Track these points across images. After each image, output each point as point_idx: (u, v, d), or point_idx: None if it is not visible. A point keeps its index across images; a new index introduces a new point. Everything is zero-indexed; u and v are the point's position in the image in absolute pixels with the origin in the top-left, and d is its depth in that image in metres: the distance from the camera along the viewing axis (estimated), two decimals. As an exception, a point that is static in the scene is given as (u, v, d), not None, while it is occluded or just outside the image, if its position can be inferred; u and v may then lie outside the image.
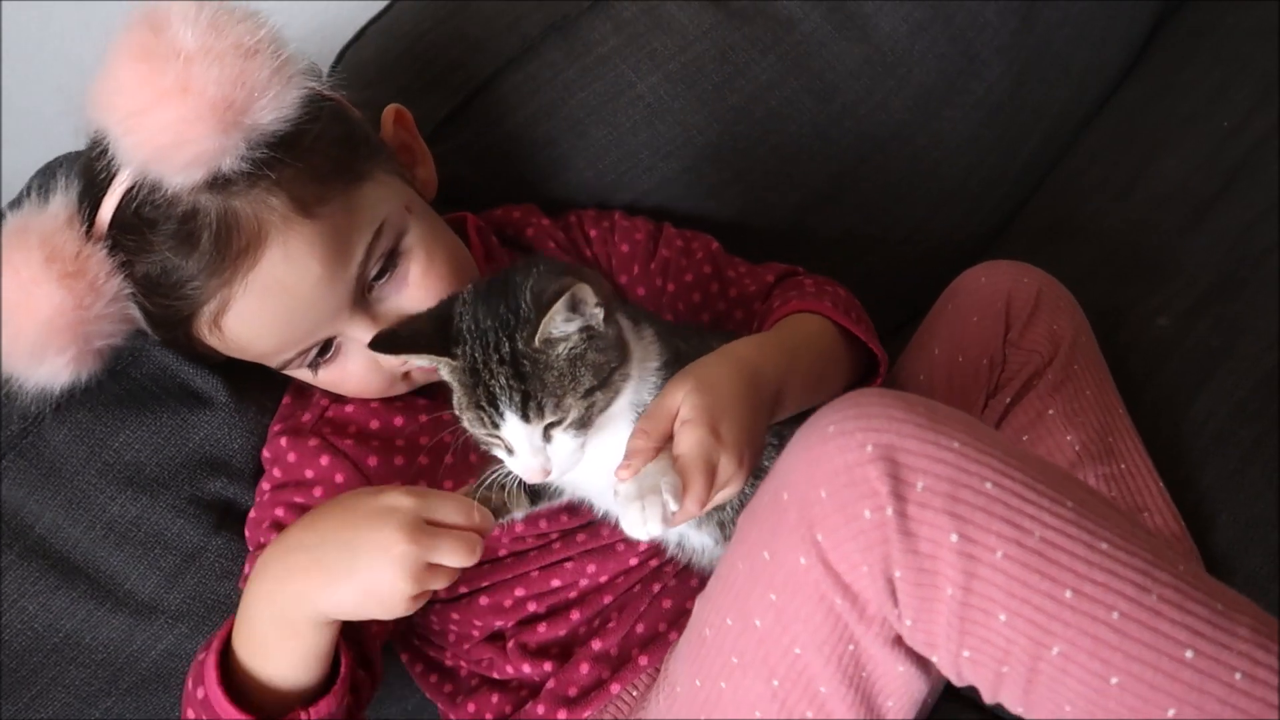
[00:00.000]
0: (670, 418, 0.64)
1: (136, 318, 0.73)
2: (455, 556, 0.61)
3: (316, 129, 0.72)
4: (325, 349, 0.77)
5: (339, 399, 0.83)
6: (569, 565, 0.81)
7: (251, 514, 0.81)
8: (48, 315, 0.69)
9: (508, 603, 0.81)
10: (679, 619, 0.80)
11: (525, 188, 0.95)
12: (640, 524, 0.61)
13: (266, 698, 0.66)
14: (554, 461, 0.65)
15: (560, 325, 0.62)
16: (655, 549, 0.82)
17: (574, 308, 0.62)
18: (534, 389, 0.62)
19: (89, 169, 0.73)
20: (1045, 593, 0.54)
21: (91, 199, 0.72)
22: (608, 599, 0.81)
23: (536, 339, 0.62)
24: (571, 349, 0.63)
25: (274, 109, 0.67)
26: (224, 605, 0.83)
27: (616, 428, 0.67)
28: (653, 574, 0.82)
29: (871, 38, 1.01)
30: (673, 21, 0.96)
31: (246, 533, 0.81)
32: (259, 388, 0.84)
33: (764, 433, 0.68)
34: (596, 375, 0.64)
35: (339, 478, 0.79)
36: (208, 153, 0.66)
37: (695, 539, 0.77)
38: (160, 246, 0.70)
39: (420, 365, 0.73)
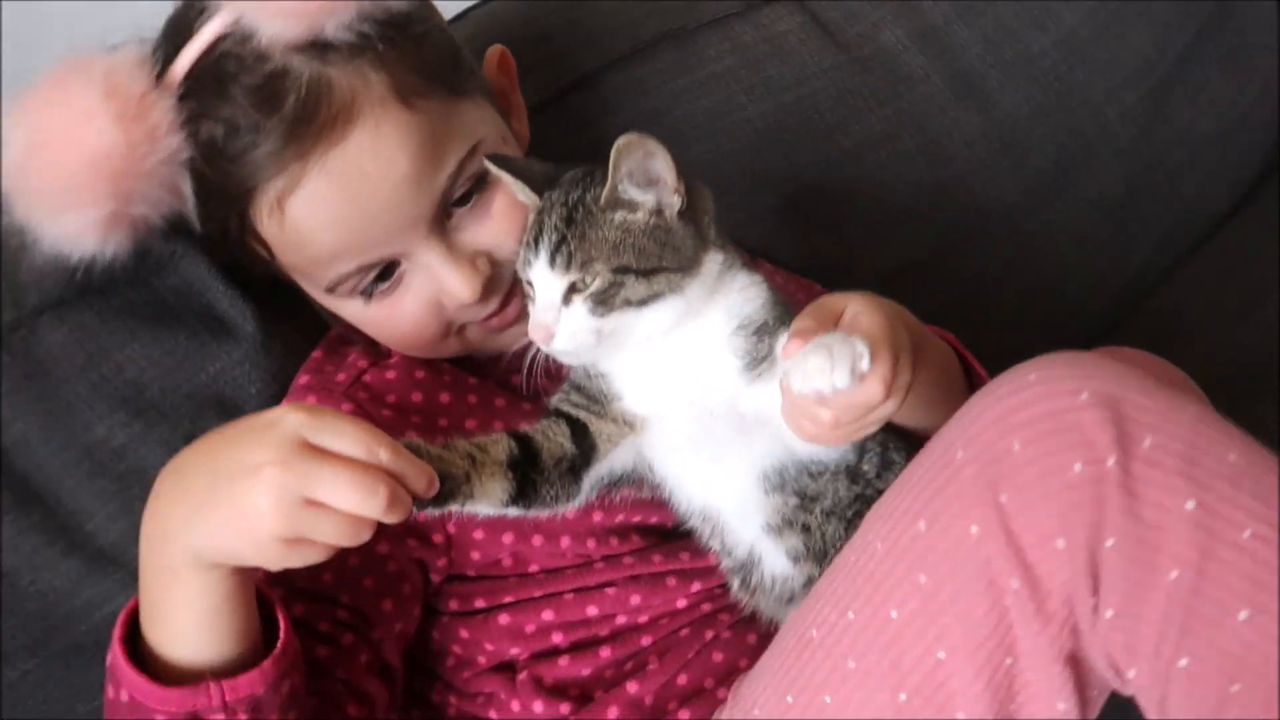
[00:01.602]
0: (835, 315, 0.57)
1: (186, 194, 0.63)
2: (342, 494, 0.48)
3: (429, 26, 0.66)
4: (386, 274, 0.67)
5: (379, 362, 0.73)
6: (610, 592, 0.69)
7: None
8: (93, 154, 0.59)
9: (530, 627, 0.69)
10: (729, 677, 0.67)
11: (611, 194, 0.88)
12: (826, 370, 0.51)
13: (176, 672, 0.54)
14: (560, 328, 0.60)
15: (628, 186, 0.60)
16: (709, 592, 0.69)
17: (649, 177, 0.59)
18: (572, 237, 0.59)
19: (178, 16, 0.66)
20: None
21: (172, 45, 0.64)
22: (646, 640, 0.69)
23: (604, 195, 0.60)
24: (629, 219, 0.60)
25: None
26: None
27: (692, 351, 0.61)
28: (705, 620, 0.69)
29: (991, 112, 0.97)
30: (793, 54, 0.92)
31: None
32: (292, 328, 0.74)
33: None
34: (640, 259, 0.59)
35: None
36: (314, 6, 0.59)
37: (772, 559, 0.65)
38: (239, 100, 0.62)
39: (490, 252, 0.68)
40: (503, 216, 0.68)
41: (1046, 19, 0.98)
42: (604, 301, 0.59)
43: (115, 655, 0.55)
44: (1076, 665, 0.48)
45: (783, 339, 0.59)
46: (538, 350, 0.72)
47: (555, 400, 0.66)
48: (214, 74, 0.63)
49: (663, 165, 0.60)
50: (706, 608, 0.70)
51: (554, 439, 0.63)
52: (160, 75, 0.63)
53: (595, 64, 0.89)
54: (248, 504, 0.49)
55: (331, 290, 0.68)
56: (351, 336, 0.77)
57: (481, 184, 0.68)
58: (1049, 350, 0.92)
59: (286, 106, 0.61)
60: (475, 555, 0.69)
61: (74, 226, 0.61)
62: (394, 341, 0.71)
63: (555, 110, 0.88)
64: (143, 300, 0.70)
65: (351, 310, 0.70)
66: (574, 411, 0.64)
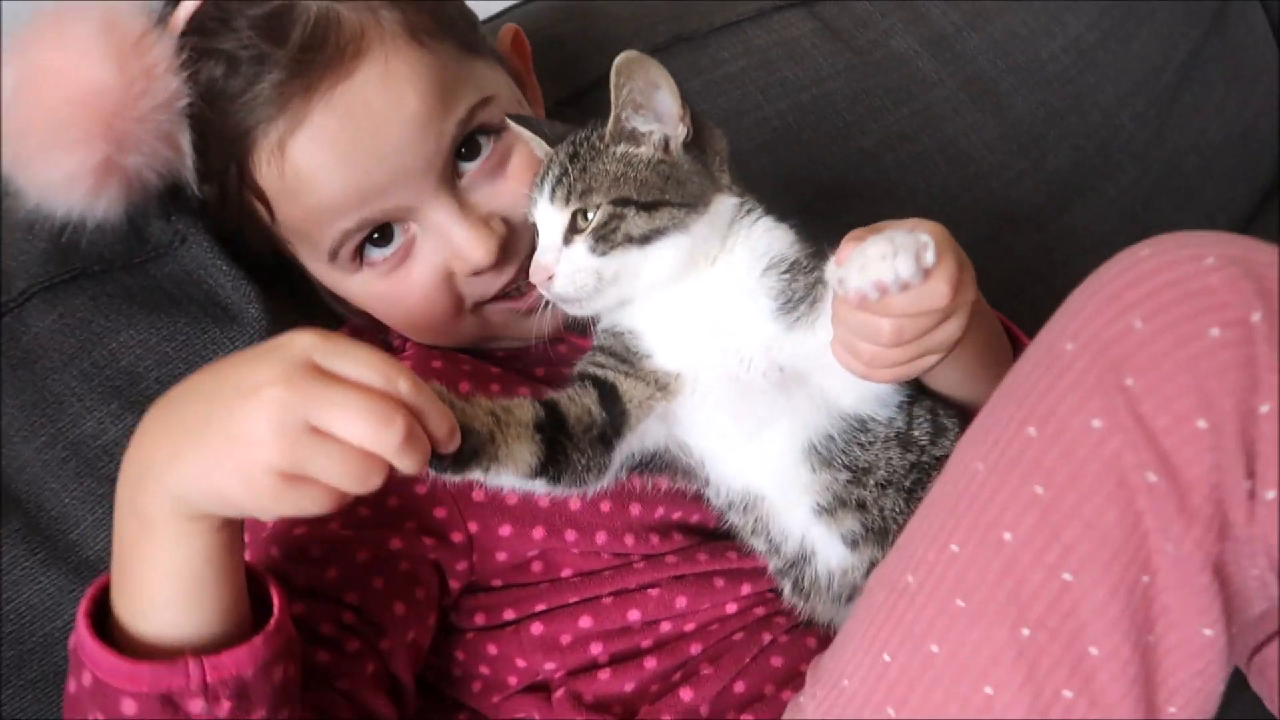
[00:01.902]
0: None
1: (184, 148, 0.59)
2: (353, 421, 0.42)
3: None
4: (389, 238, 0.62)
5: (392, 352, 0.67)
6: (653, 594, 0.63)
7: None
8: (86, 90, 0.55)
9: (566, 638, 0.62)
10: (792, 681, 0.60)
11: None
12: (890, 256, 0.47)
13: (149, 650, 0.46)
14: (560, 268, 0.57)
15: (631, 116, 0.58)
16: (760, 595, 0.63)
17: (655, 110, 0.58)
18: (574, 172, 0.57)
19: None
20: None
21: None
22: (695, 649, 0.62)
23: (608, 127, 0.58)
24: (632, 152, 0.58)
25: None
26: None
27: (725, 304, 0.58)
28: (759, 623, 0.63)
29: (1006, 115, 0.95)
30: (806, 56, 0.91)
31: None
32: (300, 319, 0.68)
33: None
34: (641, 191, 0.57)
35: None
36: None
37: (826, 549, 0.60)
38: (242, 32, 0.58)
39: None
40: (519, 178, 0.64)
41: (1053, 25, 0.98)
42: (604, 238, 0.57)
43: (79, 633, 0.47)
44: (1224, 580, 0.42)
45: (825, 272, 0.54)
46: (558, 316, 0.67)
47: (580, 365, 0.61)
48: (218, 11, 0.59)
49: (667, 94, 0.58)
50: (760, 611, 0.64)
51: (581, 403, 0.58)
52: (165, 20, 0.60)
53: (609, 67, 0.87)
54: (244, 428, 0.42)
55: (334, 258, 0.62)
56: (363, 330, 0.72)
57: (496, 142, 0.64)
58: None
59: (292, 38, 0.57)
60: (501, 556, 0.62)
61: (63, 171, 0.56)
62: (403, 321, 0.66)
63: (573, 111, 0.85)
64: (139, 286, 0.65)
65: (356, 286, 0.64)
66: (601, 373, 0.59)
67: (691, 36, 0.89)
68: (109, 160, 0.56)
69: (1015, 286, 0.94)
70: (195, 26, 0.59)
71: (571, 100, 0.86)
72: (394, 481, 0.45)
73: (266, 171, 0.60)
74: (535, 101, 0.74)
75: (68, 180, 0.57)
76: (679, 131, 0.58)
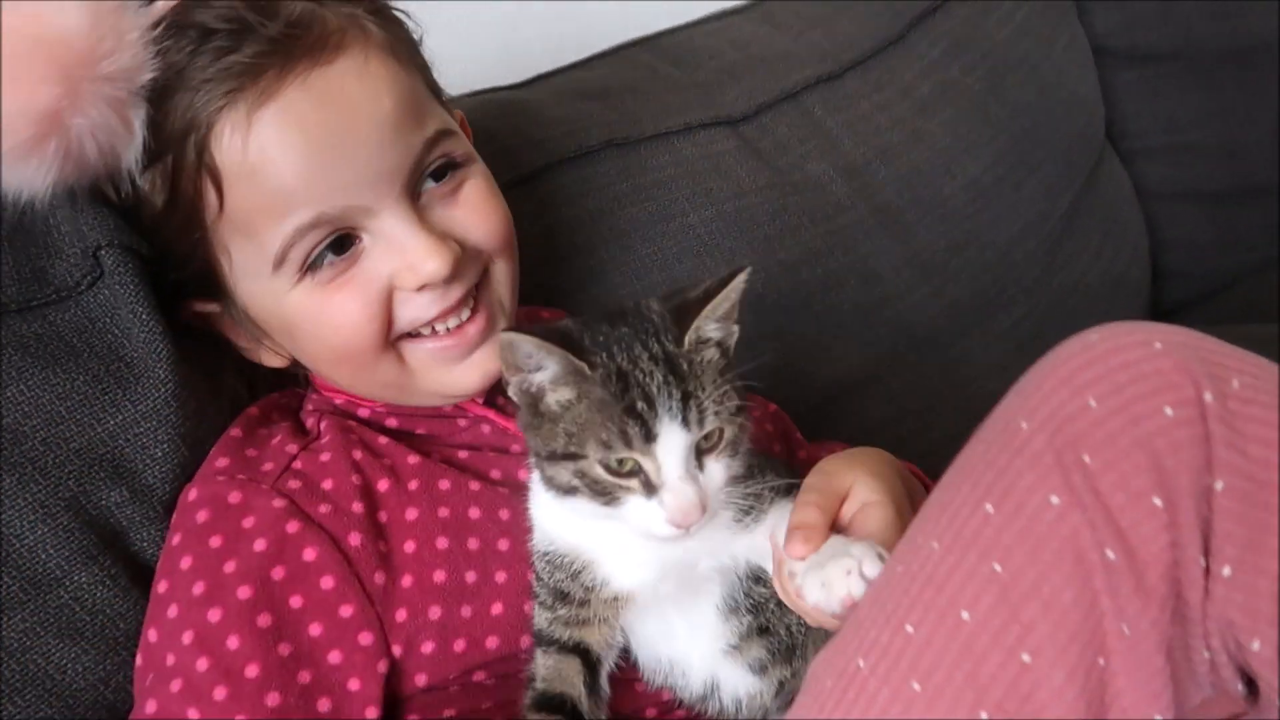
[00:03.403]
0: (841, 496, 0.53)
1: (135, 129, 0.55)
2: None
3: (410, 37, 0.65)
4: (341, 247, 0.60)
5: (310, 445, 0.64)
6: None
7: (162, 587, 0.58)
8: (53, 34, 0.53)
9: None
10: None
11: (556, 291, 0.85)
12: (854, 570, 0.48)
13: None
14: (710, 495, 0.52)
15: (712, 325, 0.54)
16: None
17: (728, 311, 0.55)
18: (694, 389, 0.51)
19: None
20: None
21: None
22: None
23: (688, 336, 0.53)
24: (718, 358, 0.54)
25: None
26: (49, 680, 0.57)
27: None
28: None
29: (911, 243, 1.01)
30: (730, 171, 0.94)
31: (159, 609, 0.58)
32: (210, 386, 0.64)
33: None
34: (740, 396, 0.54)
35: (309, 554, 0.59)
36: None
37: (732, 680, 0.60)
38: (222, 12, 0.57)
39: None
40: (473, 206, 0.64)
41: (954, 166, 1.05)
42: (735, 449, 0.53)
43: None
44: (1176, 663, 0.42)
45: (769, 500, 0.56)
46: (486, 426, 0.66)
47: (543, 623, 0.59)
48: None
49: (738, 291, 0.55)
50: (681, 714, 0.62)
51: (570, 678, 0.57)
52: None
53: (541, 162, 0.88)
54: None
55: (280, 262, 0.59)
56: (277, 407, 0.68)
57: (454, 170, 0.64)
58: None
59: (276, 20, 0.57)
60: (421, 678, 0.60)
61: (10, 106, 0.52)
62: (325, 349, 0.63)
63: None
64: (35, 334, 0.60)
65: (291, 301, 0.61)
66: (568, 635, 0.58)
67: (623, 142, 0.91)
68: (56, 113, 0.53)
69: (922, 405, 0.98)
70: (182, 6, 0.58)
71: (511, 188, 0.86)
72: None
73: (229, 145, 0.57)
74: None
75: (10, 120, 0.53)
76: (735, 332, 0.56)
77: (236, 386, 0.69)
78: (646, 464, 0.51)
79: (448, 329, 0.62)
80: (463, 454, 0.67)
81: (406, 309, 0.61)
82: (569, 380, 0.52)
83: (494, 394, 0.68)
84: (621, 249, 0.88)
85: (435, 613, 0.59)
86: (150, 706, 0.55)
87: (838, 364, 0.94)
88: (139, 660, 0.58)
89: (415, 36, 0.67)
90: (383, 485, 0.63)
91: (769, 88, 1.01)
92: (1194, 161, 1.32)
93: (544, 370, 0.52)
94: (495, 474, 0.66)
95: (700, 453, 0.52)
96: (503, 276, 0.65)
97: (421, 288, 0.60)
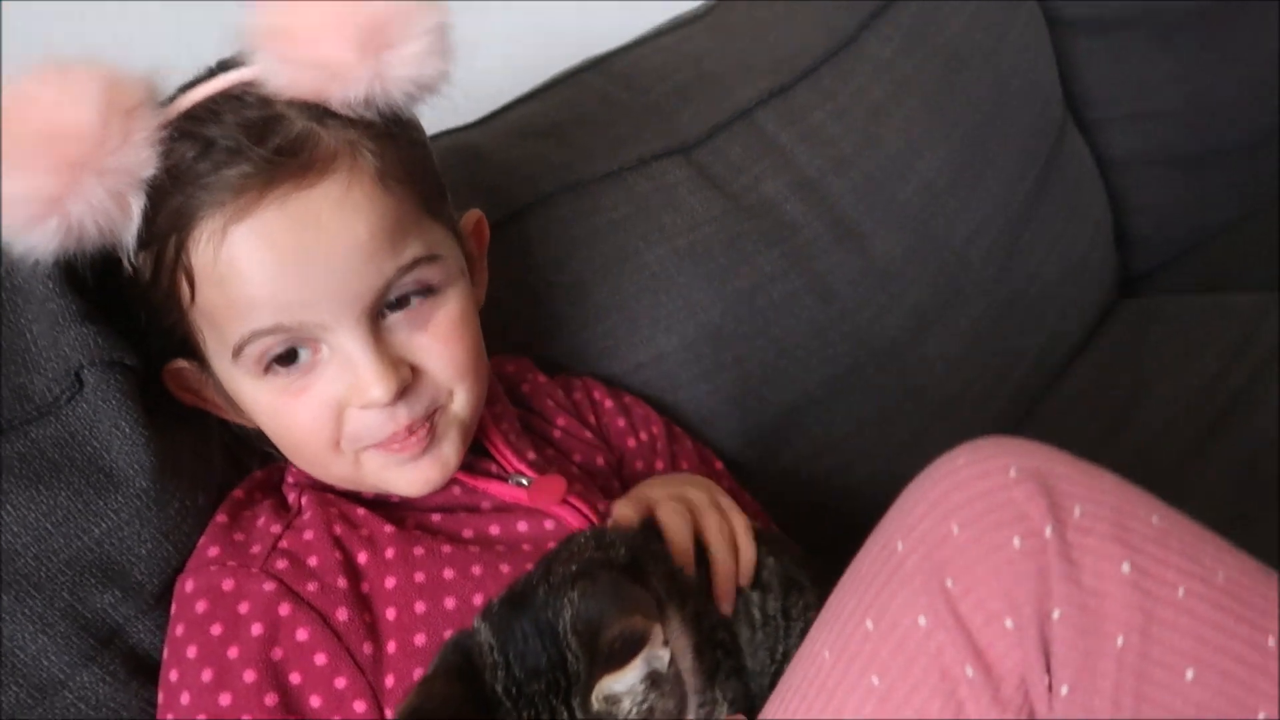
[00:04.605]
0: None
1: (132, 214, 0.60)
2: None
3: (425, 146, 0.69)
4: (293, 357, 0.64)
5: (293, 523, 0.69)
6: None
7: (173, 676, 0.64)
8: (65, 130, 0.57)
9: None
10: None
11: (517, 340, 0.88)
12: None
13: None
14: None
15: (626, 679, 0.52)
16: None
17: (635, 649, 0.52)
18: None
19: (213, 66, 0.65)
20: (1245, 639, 0.44)
21: (196, 82, 0.64)
22: None
23: (595, 700, 0.51)
24: (640, 703, 0.52)
25: (412, 66, 0.62)
26: None
27: None
28: None
29: (868, 253, 1.03)
30: (683, 203, 0.96)
31: (171, 697, 0.64)
32: (190, 482, 0.69)
33: None
34: None
35: (302, 635, 0.64)
36: (333, 63, 0.60)
37: None
38: (228, 125, 0.61)
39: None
40: (438, 335, 0.66)
41: (907, 170, 1.07)
42: None
43: None
44: None
45: None
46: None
47: None
48: (214, 107, 0.62)
49: (655, 639, 0.52)
50: None
51: None
52: (167, 102, 0.62)
53: (499, 214, 0.90)
54: None
55: (237, 354, 0.64)
56: (261, 484, 0.73)
57: (429, 298, 0.67)
58: None
59: (270, 142, 0.61)
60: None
61: (15, 190, 0.57)
62: (286, 443, 0.68)
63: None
64: (18, 454, 0.64)
65: (251, 391, 0.65)
66: None
67: (576, 185, 0.94)
68: (59, 197, 0.58)
69: (884, 413, 1.02)
70: (189, 113, 0.63)
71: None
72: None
73: (202, 251, 0.61)
74: (480, 284, 0.77)
75: (14, 201, 0.58)
76: (664, 655, 0.54)
77: (225, 468, 0.74)
78: None
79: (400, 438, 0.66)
80: (435, 517, 0.72)
81: (354, 425, 0.65)
82: None
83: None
84: (579, 294, 0.91)
85: (419, 674, 0.63)
86: None
87: (795, 385, 0.97)
88: None
89: (422, 144, 0.69)
90: (362, 557, 0.68)
91: (721, 107, 1.03)
92: (1161, 126, 1.32)
93: None
94: (467, 533, 0.71)
95: None
96: (461, 403, 0.68)
97: (368, 407, 0.64)
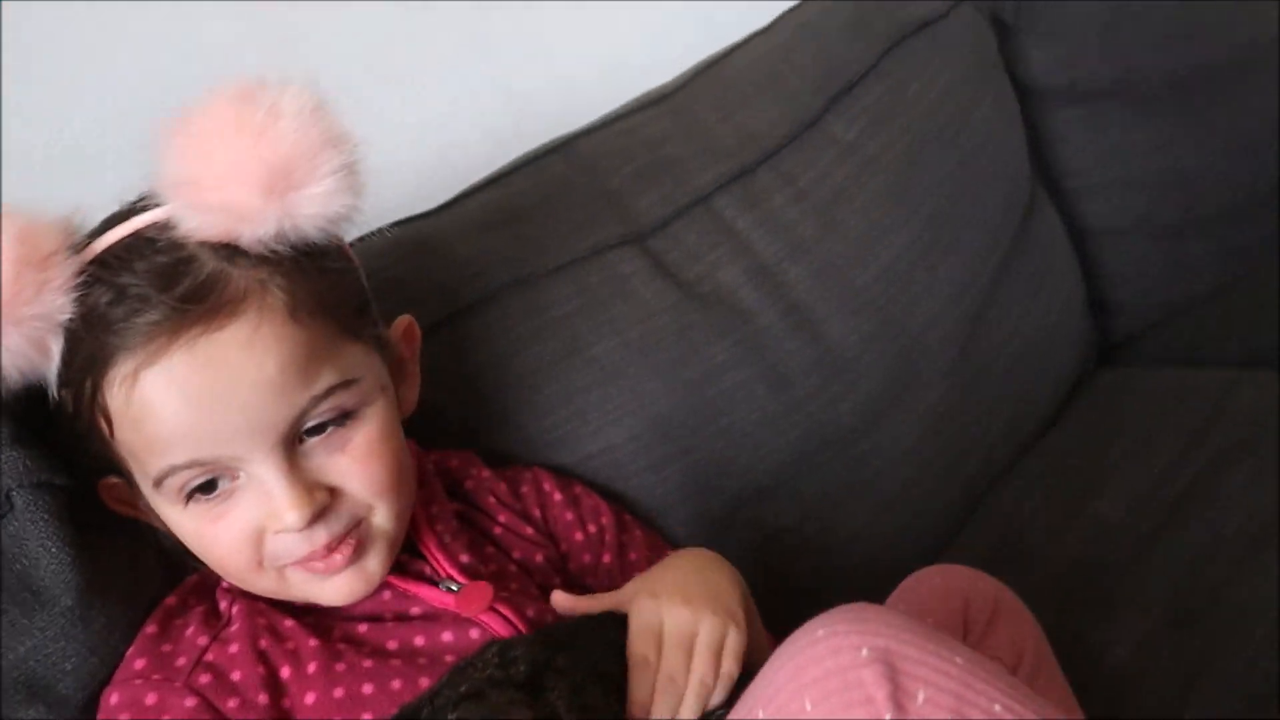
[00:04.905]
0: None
1: (52, 354, 0.64)
2: None
3: (342, 268, 0.70)
4: (212, 486, 0.67)
5: (220, 634, 0.71)
6: None
7: None
8: None
9: None
10: None
11: (465, 434, 0.91)
12: None
13: None
14: None
15: None
16: None
17: None
18: None
19: (122, 208, 0.68)
20: None
21: (105, 227, 0.67)
22: None
23: None
24: None
25: (320, 204, 0.64)
26: None
27: None
28: None
29: (822, 341, 1.04)
30: (635, 294, 0.98)
31: None
32: (117, 595, 0.72)
33: (736, 586, 0.71)
34: None
35: None
36: (239, 207, 0.63)
37: None
38: (139, 273, 0.64)
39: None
40: (356, 457, 0.69)
41: (867, 255, 1.07)
42: None
43: None
44: None
45: None
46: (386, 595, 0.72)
47: None
48: (127, 252, 0.65)
49: None
50: None
51: None
52: (82, 246, 0.65)
53: (446, 311, 0.92)
54: None
55: (158, 485, 0.67)
56: (196, 588, 0.75)
57: (344, 420, 0.69)
58: (888, 568, 0.99)
59: (178, 288, 0.63)
60: None
61: None
62: (212, 563, 0.71)
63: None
64: (-50, 576, 0.68)
65: (173, 516, 0.69)
66: None
67: (526, 279, 0.95)
68: None
69: (832, 504, 1.03)
70: (104, 258, 0.66)
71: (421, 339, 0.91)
72: None
73: (115, 394, 0.64)
74: (412, 386, 0.79)
75: None
76: None
77: (162, 572, 0.76)
78: None
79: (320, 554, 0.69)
80: (363, 627, 0.73)
81: (273, 546, 0.68)
82: None
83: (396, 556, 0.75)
84: (528, 389, 0.93)
85: None
86: None
87: (744, 475, 0.98)
88: None
89: (338, 269, 0.71)
90: (285, 672, 0.70)
91: (680, 192, 1.04)
92: (1139, 195, 1.32)
93: None
94: (391, 644, 0.73)
95: None
96: (384, 517, 0.71)
97: (282, 532, 0.67)
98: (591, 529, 0.87)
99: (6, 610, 0.67)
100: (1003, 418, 1.16)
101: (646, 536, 0.90)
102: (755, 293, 1.02)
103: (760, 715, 0.54)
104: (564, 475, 0.91)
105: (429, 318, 0.92)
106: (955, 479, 1.10)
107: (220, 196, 0.64)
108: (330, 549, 0.69)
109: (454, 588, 0.75)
